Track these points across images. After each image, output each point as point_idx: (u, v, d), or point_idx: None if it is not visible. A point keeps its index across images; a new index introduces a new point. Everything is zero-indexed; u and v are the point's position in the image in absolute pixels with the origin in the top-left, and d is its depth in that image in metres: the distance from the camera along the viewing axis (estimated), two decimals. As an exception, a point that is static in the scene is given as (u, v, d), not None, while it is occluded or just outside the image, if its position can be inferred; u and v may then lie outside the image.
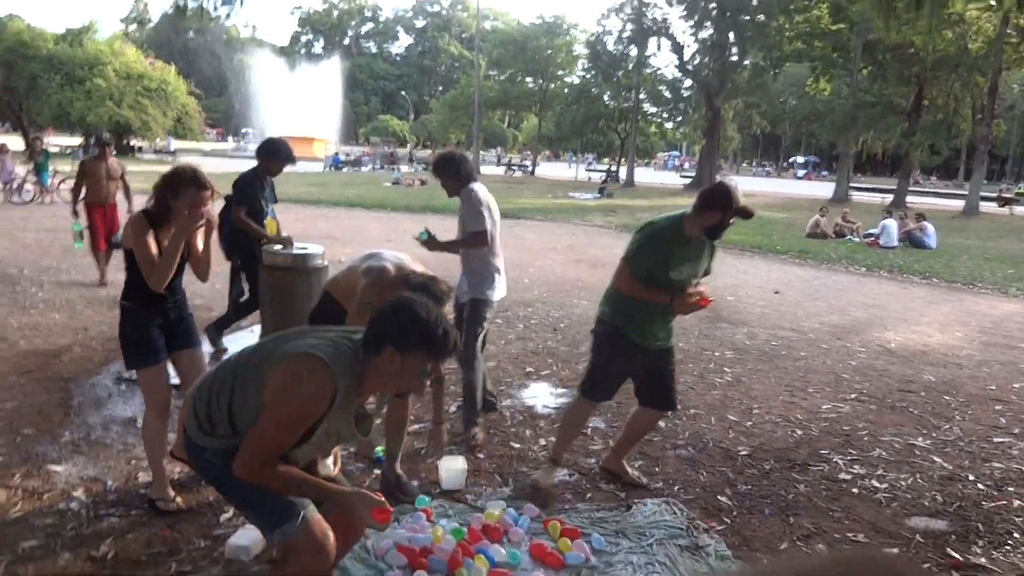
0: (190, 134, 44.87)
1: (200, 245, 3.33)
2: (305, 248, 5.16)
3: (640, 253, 3.38)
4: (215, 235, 3.50)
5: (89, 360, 5.34)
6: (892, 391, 5.59)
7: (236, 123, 68.84)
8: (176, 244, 3.11)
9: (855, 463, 4.18)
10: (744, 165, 76.14)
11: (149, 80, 43.10)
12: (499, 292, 4.42)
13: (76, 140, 37.28)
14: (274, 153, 5.53)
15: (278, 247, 5.12)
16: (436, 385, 3.74)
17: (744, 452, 4.28)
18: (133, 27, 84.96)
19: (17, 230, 11.91)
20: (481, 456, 4.05)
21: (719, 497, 3.68)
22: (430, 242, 4.38)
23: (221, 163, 25.74)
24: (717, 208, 3.27)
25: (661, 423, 4.65)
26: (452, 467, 3.63)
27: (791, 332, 7.40)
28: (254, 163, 5.58)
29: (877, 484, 3.91)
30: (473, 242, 4.30)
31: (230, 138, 68.96)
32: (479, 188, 4.36)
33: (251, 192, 5.42)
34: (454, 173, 4.36)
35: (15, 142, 27.52)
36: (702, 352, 6.47)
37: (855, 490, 3.83)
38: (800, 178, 59.51)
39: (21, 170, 17.24)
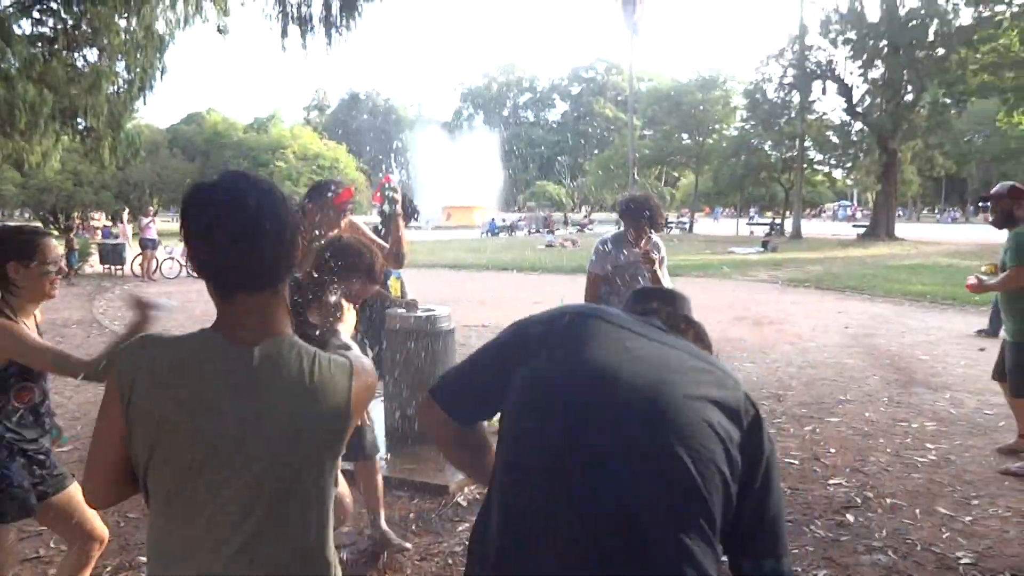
0: (358, 208, 47.80)
1: None
2: (432, 311, 4.78)
3: None
4: None
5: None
6: None
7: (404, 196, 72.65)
8: None
9: None
10: (925, 212, 70.34)
11: (323, 159, 46.58)
12: None
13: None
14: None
15: (401, 311, 4.78)
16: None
17: (966, 560, 3.30)
18: (314, 113, 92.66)
19: (190, 303, 12.60)
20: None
21: (937, 627, 2.78)
22: None
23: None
24: None
25: (850, 517, 3.76)
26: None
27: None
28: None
29: None
30: None
31: (398, 210, 73.05)
32: None
33: None
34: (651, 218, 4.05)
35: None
36: (895, 424, 5.41)
37: None
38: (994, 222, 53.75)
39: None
